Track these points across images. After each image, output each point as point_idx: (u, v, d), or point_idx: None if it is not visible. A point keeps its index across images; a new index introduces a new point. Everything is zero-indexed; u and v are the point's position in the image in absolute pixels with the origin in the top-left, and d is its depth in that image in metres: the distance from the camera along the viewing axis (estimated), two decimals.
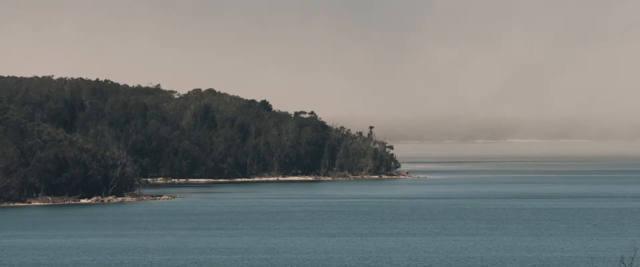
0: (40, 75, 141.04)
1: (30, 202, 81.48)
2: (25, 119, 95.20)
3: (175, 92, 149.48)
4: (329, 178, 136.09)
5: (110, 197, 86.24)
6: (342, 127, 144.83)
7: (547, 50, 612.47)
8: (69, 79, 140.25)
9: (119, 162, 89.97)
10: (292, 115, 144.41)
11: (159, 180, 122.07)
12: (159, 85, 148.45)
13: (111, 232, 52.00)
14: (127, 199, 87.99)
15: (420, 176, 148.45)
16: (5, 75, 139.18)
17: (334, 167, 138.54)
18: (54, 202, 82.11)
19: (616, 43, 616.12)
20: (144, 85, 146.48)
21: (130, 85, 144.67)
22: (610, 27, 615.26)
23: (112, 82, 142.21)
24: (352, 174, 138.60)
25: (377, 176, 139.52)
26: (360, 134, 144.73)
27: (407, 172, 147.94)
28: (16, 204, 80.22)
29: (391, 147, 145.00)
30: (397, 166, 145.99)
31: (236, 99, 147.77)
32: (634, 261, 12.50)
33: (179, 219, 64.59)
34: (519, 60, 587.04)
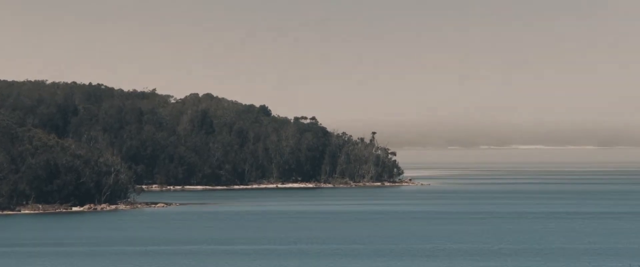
0: (32, 79, 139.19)
1: (19, 210, 79.62)
2: (16, 124, 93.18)
3: (172, 96, 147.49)
4: (330, 185, 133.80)
5: (103, 205, 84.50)
6: (343, 133, 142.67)
7: None
8: (61, 83, 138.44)
9: (112, 169, 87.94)
10: (292, 121, 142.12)
11: (154, 187, 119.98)
12: (154, 89, 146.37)
13: None
14: (121, 207, 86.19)
15: (424, 182, 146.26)
16: None
17: (335, 174, 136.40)
18: (44, 210, 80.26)
19: None
20: (139, 89, 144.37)
21: (125, 89, 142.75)
22: None
23: (106, 86, 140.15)
24: (354, 181, 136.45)
25: (379, 183, 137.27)
26: (362, 140, 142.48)
27: (410, 179, 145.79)
28: (5, 212, 78.29)
29: (394, 154, 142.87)
30: (400, 172, 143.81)
31: (234, 103, 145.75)
32: None
33: None
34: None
